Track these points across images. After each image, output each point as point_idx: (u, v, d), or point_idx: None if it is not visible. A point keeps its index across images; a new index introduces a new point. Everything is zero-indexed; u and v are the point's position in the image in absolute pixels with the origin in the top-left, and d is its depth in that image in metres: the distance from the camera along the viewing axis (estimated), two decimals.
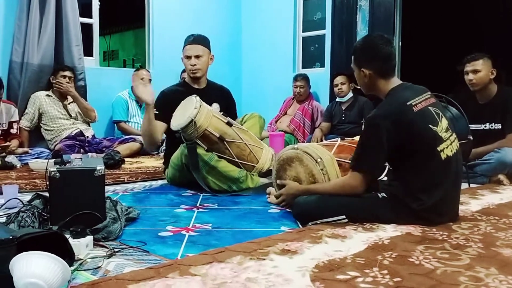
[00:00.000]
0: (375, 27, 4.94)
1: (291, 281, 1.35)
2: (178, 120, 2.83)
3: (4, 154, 3.98)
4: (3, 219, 1.96)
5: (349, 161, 2.17)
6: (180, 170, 2.94)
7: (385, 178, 2.20)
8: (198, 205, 2.51)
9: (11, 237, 1.33)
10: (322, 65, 5.80)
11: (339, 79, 4.92)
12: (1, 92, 4.12)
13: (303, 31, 6.08)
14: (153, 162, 4.19)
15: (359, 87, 2.21)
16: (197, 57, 3.16)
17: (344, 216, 1.99)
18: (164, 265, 1.47)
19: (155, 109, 3.00)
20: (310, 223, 2.01)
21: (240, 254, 1.57)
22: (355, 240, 1.76)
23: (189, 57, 3.17)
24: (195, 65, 3.16)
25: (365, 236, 1.81)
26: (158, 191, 2.92)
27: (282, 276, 1.39)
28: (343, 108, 4.95)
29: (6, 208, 2.22)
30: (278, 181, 2.44)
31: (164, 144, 3.75)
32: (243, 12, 6.53)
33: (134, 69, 5.40)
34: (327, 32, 5.59)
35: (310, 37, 6.11)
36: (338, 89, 4.92)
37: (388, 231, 1.88)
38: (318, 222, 2.00)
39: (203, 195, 2.76)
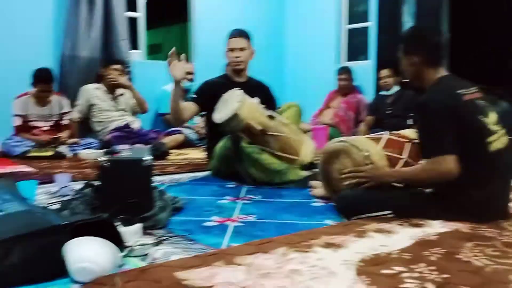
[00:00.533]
0: (421, 19, 4.81)
1: (336, 274, 1.35)
2: (221, 113, 2.86)
3: (55, 144, 4.14)
4: (57, 206, 2.04)
5: (402, 156, 2.12)
6: (223, 162, 2.98)
7: None
8: (241, 196, 2.53)
9: (64, 223, 1.39)
10: (367, 58, 5.71)
11: (384, 72, 4.84)
12: (52, 85, 4.28)
13: (347, 23, 6.00)
14: (197, 154, 4.25)
15: (405, 80, 2.17)
16: (240, 49, 3.20)
17: (390, 211, 1.96)
18: (209, 254, 1.50)
19: (194, 93, 3.12)
20: (354, 217, 1.99)
21: (284, 245, 1.58)
22: (401, 235, 1.74)
23: (232, 50, 3.21)
24: (238, 57, 3.20)
25: (411, 231, 1.78)
26: (203, 182, 2.97)
27: (327, 269, 1.39)
28: (389, 102, 4.86)
29: (59, 196, 2.31)
30: (366, 153, 2.21)
31: (207, 136, 3.80)
32: (286, 4, 6.50)
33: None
34: (372, 24, 5.49)
35: (354, 29, 6.03)
36: (383, 82, 4.84)
37: (435, 227, 1.84)
38: (363, 216, 1.98)
39: (247, 187, 2.78)
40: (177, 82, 2.92)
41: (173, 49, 2.87)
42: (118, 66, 4.70)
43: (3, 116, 4.29)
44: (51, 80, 4.24)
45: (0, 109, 4.34)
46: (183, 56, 2.89)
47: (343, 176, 2.21)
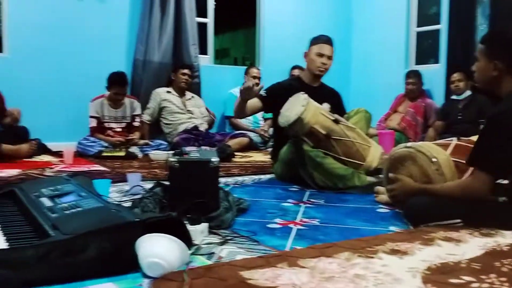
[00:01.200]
0: (496, 22, 4.59)
1: (401, 281, 1.33)
2: (285, 116, 2.88)
3: (127, 145, 4.34)
4: (128, 204, 2.14)
5: (465, 161, 2.06)
6: (288, 165, 3.00)
7: (505, 181, 2.05)
8: (305, 200, 2.54)
9: (137, 220, 1.47)
10: (437, 61, 5.53)
11: (456, 76, 4.67)
12: (126, 88, 4.49)
13: (417, 26, 5.84)
14: (261, 157, 4.30)
15: (475, 84, 2.09)
16: (329, 57, 3.24)
17: (459, 220, 1.90)
18: (273, 255, 1.52)
19: (264, 91, 3.16)
20: (422, 225, 1.94)
21: (348, 250, 1.57)
22: (470, 244, 1.68)
23: (322, 55, 3.22)
24: (325, 64, 3.23)
25: (481, 241, 1.72)
26: (266, 185, 3.00)
27: (392, 276, 1.37)
28: (460, 107, 4.68)
29: (130, 194, 2.42)
30: (390, 175, 2.35)
31: (272, 140, 3.85)
32: (353, 7, 6.43)
33: (246, 67, 5.58)
34: (443, 26, 5.32)
35: (424, 32, 5.86)
36: (455, 86, 4.67)
37: (507, 238, 1.76)
38: (430, 224, 1.93)
39: (310, 191, 2.78)
40: (244, 100, 2.99)
41: (253, 82, 3.00)
42: (186, 70, 4.86)
43: (79, 117, 4.55)
44: (125, 83, 4.45)
45: (77, 111, 4.61)
46: (259, 88, 2.96)
47: (383, 201, 2.33)
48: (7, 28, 4.52)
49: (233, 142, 4.60)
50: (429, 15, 5.80)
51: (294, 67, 5.47)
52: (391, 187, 2.27)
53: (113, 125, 4.55)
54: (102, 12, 4.86)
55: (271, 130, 4.97)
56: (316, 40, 3.28)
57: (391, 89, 5.61)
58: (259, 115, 5.42)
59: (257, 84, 3.14)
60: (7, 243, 1.38)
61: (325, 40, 3.26)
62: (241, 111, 3.11)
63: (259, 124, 5.32)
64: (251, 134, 4.95)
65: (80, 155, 4.21)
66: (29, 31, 4.53)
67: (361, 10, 6.35)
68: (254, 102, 3.16)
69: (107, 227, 1.39)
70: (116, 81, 4.37)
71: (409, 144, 2.32)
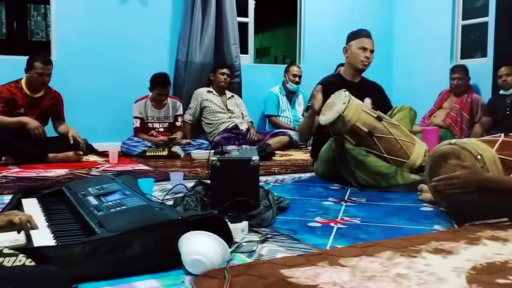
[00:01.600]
0: None
1: (445, 281, 1.30)
2: (327, 114, 2.86)
3: (170, 145, 4.42)
4: (171, 202, 2.19)
5: None
6: (328, 164, 2.98)
7: None
8: (346, 198, 2.52)
9: (179, 218, 1.50)
10: (484, 55, 5.34)
11: (504, 70, 4.50)
12: (168, 88, 4.57)
13: (462, 19, 5.67)
14: (301, 155, 4.29)
15: None
16: (371, 51, 3.24)
17: (506, 219, 1.83)
18: (314, 254, 1.52)
19: (310, 102, 3.17)
20: (467, 224, 1.89)
21: (390, 249, 1.55)
22: None
23: (365, 49, 3.22)
24: (369, 58, 3.22)
25: None
26: (307, 183, 2.99)
27: (435, 275, 1.34)
28: (508, 102, 4.51)
29: (173, 192, 2.47)
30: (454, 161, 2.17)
31: (312, 138, 3.82)
32: (396, 1, 6.29)
33: (286, 65, 5.58)
34: (490, 19, 5.13)
35: (470, 25, 5.67)
36: (503, 81, 4.51)
37: None
38: (476, 223, 1.87)
39: (350, 189, 2.76)
40: (315, 112, 3.00)
41: (320, 87, 3.02)
42: (225, 70, 4.90)
43: (124, 118, 4.67)
44: (167, 84, 4.52)
45: (121, 112, 4.73)
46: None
47: (434, 184, 2.14)
48: (55, 33, 4.70)
49: (273, 141, 4.60)
50: (476, 8, 5.61)
51: (341, 65, 5.39)
52: (454, 174, 2.05)
53: (156, 125, 4.63)
54: (145, 15, 4.97)
55: None
56: (356, 35, 3.26)
57: (435, 85, 5.46)
58: (299, 113, 5.40)
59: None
60: (55, 240, 1.44)
61: (366, 34, 3.26)
62: (309, 129, 3.16)
63: (299, 122, 5.30)
64: (291, 133, 4.94)
65: (125, 155, 4.31)
66: (75, 35, 4.69)
67: (404, 4, 6.21)
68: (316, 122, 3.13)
69: (150, 225, 1.43)
70: (158, 82, 4.45)
71: (453, 140, 2.26)
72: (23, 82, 3.85)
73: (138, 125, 4.55)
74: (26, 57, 3.84)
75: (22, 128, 3.70)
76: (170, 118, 4.68)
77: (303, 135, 3.32)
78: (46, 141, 3.82)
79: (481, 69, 5.13)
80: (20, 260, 1.18)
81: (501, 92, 4.59)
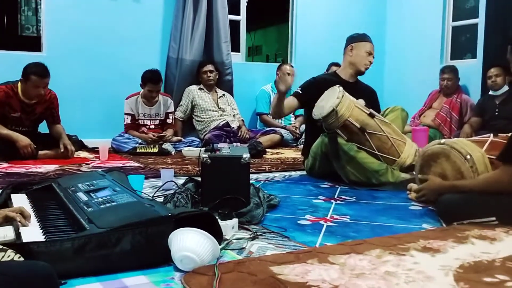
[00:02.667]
0: None
1: (433, 279, 1.31)
2: (320, 109, 2.87)
3: (161, 142, 4.40)
4: (161, 199, 2.18)
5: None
6: (319, 160, 2.99)
7: None
8: (336, 197, 2.53)
9: (169, 214, 1.50)
10: (474, 56, 5.39)
11: (493, 71, 4.54)
12: (160, 85, 4.56)
13: (453, 21, 5.71)
14: (292, 154, 4.30)
15: None
16: (373, 57, 3.29)
17: (494, 218, 1.85)
18: (303, 251, 1.53)
19: (299, 88, 3.21)
20: (455, 223, 1.91)
21: (379, 247, 1.56)
22: (506, 243, 1.64)
23: (370, 54, 3.27)
24: (371, 63, 3.29)
25: None
26: (297, 181, 3.00)
27: (423, 273, 1.35)
28: (497, 102, 4.56)
29: (163, 189, 2.47)
30: (420, 176, 2.36)
31: (304, 135, 3.84)
32: (387, 2, 6.33)
33: (278, 64, 5.59)
34: (480, 21, 5.18)
35: (460, 27, 5.72)
36: (492, 82, 4.55)
37: None
38: (464, 222, 1.89)
39: (340, 187, 2.77)
40: (282, 93, 3.00)
41: (291, 70, 3.02)
42: (208, 66, 4.92)
43: (114, 115, 4.65)
44: (159, 81, 4.51)
45: (112, 108, 4.72)
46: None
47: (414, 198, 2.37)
48: (46, 28, 4.66)
49: (264, 139, 4.61)
50: (466, 9, 5.66)
51: (332, 64, 5.41)
52: (419, 187, 2.27)
53: (147, 122, 4.62)
54: (136, 12, 4.95)
55: (302, 127, 4.96)
56: (363, 38, 3.32)
57: (425, 85, 5.50)
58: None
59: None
60: (45, 236, 1.43)
61: (370, 39, 3.34)
62: (279, 109, 3.11)
63: (290, 121, 5.31)
64: (282, 131, 4.95)
65: (115, 151, 4.29)
66: (65, 31, 4.65)
67: (395, 5, 6.25)
68: (290, 101, 3.17)
69: (140, 221, 1.43)
70: (150, 78, 4.44)
71: (443, 140, 2.28)
72: (19, 88, 3.71)
73: (129, 121, 4.53)
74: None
75: (12, 143, 3.60)
76: (161, 115, 4.67)
77: (274, 116, 3.36)
78: (36, 141, 3.76)
79: (470, 70, 5.18)
80: (8, 256, 1.17)
81: (491, 93, 4.63)
